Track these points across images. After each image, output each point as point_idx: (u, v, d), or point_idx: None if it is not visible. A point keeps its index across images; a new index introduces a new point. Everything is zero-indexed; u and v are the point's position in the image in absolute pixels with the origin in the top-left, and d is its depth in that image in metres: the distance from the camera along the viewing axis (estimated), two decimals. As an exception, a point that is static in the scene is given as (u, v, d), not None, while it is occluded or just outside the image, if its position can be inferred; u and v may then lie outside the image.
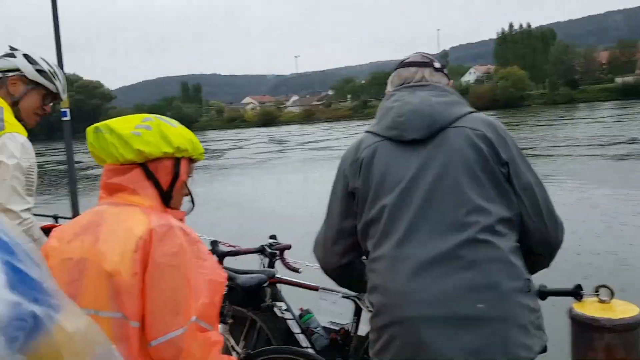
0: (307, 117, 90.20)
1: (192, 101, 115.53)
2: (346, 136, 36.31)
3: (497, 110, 63.25)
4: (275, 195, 14.69)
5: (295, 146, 33.75)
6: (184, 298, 1.27)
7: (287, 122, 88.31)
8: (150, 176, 1.39)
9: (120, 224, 1.32)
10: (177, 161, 1.43)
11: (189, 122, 69.37)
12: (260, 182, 17.63)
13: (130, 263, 1.25)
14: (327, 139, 37.14)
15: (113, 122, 1.40)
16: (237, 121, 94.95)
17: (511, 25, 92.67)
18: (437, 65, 1.73)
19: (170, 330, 1.25)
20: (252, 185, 17.06)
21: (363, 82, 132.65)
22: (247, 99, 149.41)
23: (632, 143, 19.36)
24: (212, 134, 66.26)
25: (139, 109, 76.63)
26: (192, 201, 1.56)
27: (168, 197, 1.43)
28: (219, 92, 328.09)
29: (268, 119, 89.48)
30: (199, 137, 1.59)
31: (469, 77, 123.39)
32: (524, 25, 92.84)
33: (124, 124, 1.39)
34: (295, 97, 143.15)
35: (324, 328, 2.71)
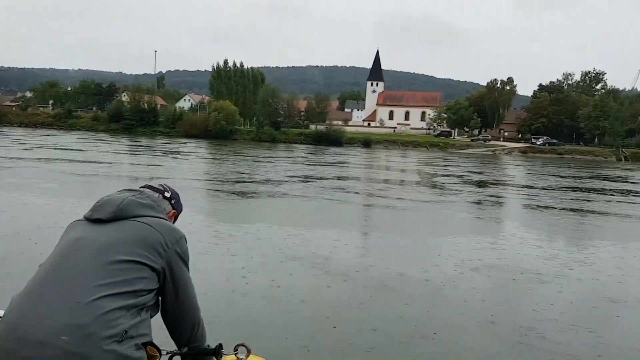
0: (-5, 119, 77.42)
1: None
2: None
3: (209, 139, 65.68)
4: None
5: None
6: None
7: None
8: None
9: None
10: None
11: None
12: None
13: None
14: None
15: None
16: None
17: (226, 62, 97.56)
18: (167, 194, 2.12)
19: None
20: None
21: (70, 88, 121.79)
22: None
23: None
24: None
25: None
26: None
27: None
28: None
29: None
30: None
31: (184, 104, 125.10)
32: (238, 64, 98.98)
33: None
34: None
35: None
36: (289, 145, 66.59)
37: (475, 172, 34.45)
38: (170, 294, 1.86)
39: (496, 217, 15.68)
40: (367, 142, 75.02)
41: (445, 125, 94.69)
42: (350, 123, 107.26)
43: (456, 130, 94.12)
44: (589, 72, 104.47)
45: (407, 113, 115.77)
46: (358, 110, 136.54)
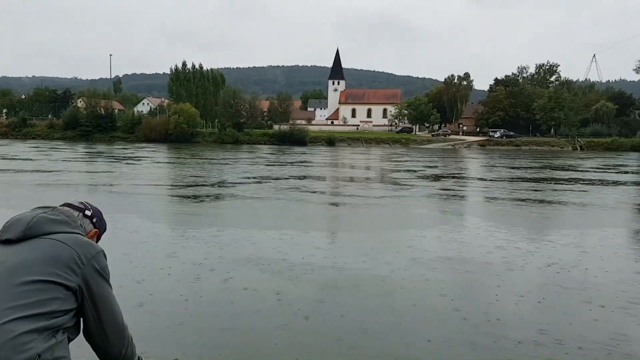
0: (-57, 129, 74.43)
1: None
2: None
3: (170, 143, 64.71)
4: None
5: None
6: None
7: None
8: None
9: None
10: None
11: None
12: None
13: None
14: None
15: None
16: None
17: (184, 64, 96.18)
18: (87, 212, 2.04)
19: None
20: None
21: (24, 96, 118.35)
22: None
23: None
24: None
25: None
26: None
27: None
28: None
29: None
30: None
31: (143, 108, 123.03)
32: (197, 66, 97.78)
33: None
34: None
35: None
36: (253, 146, 66.25)
37: (434, 167, 35.04)
38: (91, 313, 1.78)
39: (450, 210, 15.97)
40: (331, 141, 75.30)
41: (406, 121, 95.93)
42: (313, 122, 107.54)
43: (417, 126, 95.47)
44: (543, 64, 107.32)
45: (369, 110, 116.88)
46: (321, 109, 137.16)
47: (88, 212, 2.02)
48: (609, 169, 35.45)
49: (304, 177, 25.30)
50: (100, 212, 2.09)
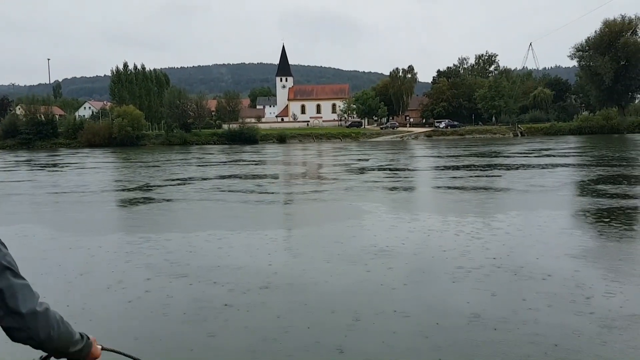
0: None
1: None
2: None
3: (114, 147, 63.08)
4: None
5: None
6: None
7: None
8: None
9: None
10: None
11: None
12: None
13: None
14: None
15: None
16: None
17: (126, 65, 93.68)
18: None
19: None
20: None
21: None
22: None
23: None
24: None
25: None
26: None
27: None
28: None
29: None
30: None
31: (85, 112, 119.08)
32: (139, 67, 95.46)
33: None
34: None
35: None
36: (202, 147, 65.43)
37: (374, 158, 35.81)
38: None
39: (401, 201, 16.49)
40: (282, 138, 75.38)
41: (355, 115, 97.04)
42: (263, 120, 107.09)
43: (366, 120, 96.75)
44: (482, 55, 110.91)
45: (318, 106, 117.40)
46: (270, 106, 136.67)
47: None
48: (545, 151, 37.19)
49: (233, 176, 25.39)
50: None
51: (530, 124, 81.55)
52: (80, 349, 1.80)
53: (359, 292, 7.00)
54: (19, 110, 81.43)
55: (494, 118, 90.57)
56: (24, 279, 1.67)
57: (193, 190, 19.48)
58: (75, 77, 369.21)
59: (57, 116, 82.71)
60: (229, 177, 24.63)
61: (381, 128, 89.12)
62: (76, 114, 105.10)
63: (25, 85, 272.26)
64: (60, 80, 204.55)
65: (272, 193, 18.27)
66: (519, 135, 76.46)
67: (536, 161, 29.58)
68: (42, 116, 75.66)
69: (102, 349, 1.90)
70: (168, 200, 16.78)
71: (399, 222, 11.96)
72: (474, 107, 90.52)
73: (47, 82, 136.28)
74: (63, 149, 64.14)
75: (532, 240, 9.84)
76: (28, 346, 1.66)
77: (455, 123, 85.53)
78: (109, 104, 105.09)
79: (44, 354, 1.79)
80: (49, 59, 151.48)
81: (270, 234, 11.12)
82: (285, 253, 9.44)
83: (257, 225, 11.98)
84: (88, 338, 1.84)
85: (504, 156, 34.63)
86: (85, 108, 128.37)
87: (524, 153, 37.19)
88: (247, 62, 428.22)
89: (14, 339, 1.64)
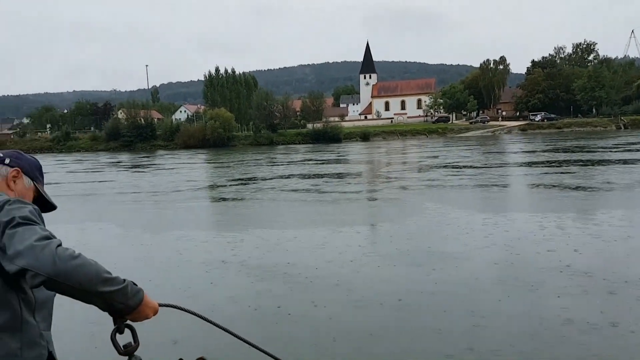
0: (-6, 149, 77.79)
1: None
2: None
3: (207, 149, 65.78)
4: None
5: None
6: None
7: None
8: None
9: None
10: None
11: None
12: None
13: None
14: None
15: None
16: None
17: (217, 69, 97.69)
18: (6, 160, 1.86)
19: None
20: None
21: (66, 111, 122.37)
22: None
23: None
24: None
25: None
26: None
27: None
28: None
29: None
30: None
31: (180, 115, 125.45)
32: (229, 71, 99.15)
33: None
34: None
35: None
36: (288, 146, 66.65)
37: (481, 154, 34.44)
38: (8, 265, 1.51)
39: (500, 199, 15.70)
40: (365, 136, 75.10)
41: (442, 110, 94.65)
42: (346, 118, 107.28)
43: (454, 115, 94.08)
44: (580, 43, 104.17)
45: (402, 102, 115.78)
46: (353, 104, 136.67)
47: (2, 159, 1.86)
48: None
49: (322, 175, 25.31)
50: (17, 152, 1.94)
51: (634, 115, 75.49)
52: (123, 292, 1.55)
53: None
54: (120, 115, 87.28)
55: (594, 110, 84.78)
56: (35, 224, 1.56)
57: (253, 188, 19.78)
58: (171, 82, 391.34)
59: (155, 119, 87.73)
60: (313, 176, 24.81)
61: (471, 123, 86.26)
62: (172, 117, 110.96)
63: (125, 91, 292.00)
64: (157, 85, 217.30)
65: (356, 192, 18.12)
66: (622, 127, 71.00)
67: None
68: (142, 120, 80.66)
69: (161, 305, 1.71)
70: (224, 200, 17.12)
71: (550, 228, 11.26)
72: (572, 99, 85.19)
73: (146, 88, 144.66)
74: (161, 151, 67.85)
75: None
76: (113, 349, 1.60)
77: (552, 115, 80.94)
78: (202, 107, 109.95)
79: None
80: (147, 66, 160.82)
81: (354, 230, 10.88)
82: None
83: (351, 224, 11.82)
84: (134, 284, 1.61)
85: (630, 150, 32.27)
86: (180, 111, 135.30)
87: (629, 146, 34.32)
88: (330, 61, 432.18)
89: (30, 285, 1.53)
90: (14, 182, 1.83)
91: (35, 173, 1.92)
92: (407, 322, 6.00)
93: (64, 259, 1.47)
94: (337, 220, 12.61)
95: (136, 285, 1.62)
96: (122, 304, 1.57)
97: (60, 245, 1.51)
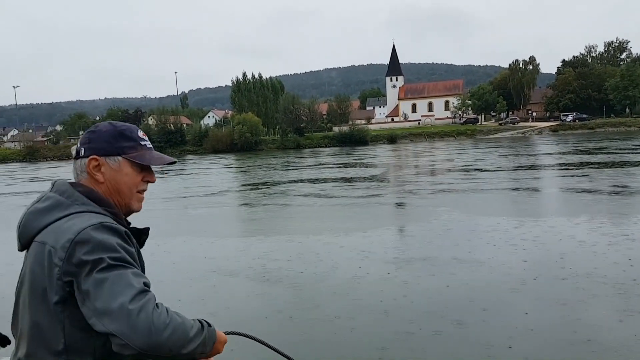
0: (30, 155, 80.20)
1: None
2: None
3: (235, 153, 66.46)
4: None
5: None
6: None
7: (3, 160, 77.46)
8: None
9: None
10: None
11: None
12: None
13: None
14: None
15: None
16: None
17: (244, 75, 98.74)
18: (80, 151, 1.54)
19: None
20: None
21: (98, 118, 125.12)
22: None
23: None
24: None
25: None
26: None
27: None
28: None
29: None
30: None
31: (209, 121, 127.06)
32: (256, 76, 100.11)
33: None
34: (14, 132, 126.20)
35: None
36: (314, 149, 66.83)
37: (514, 155, 33.94)
38: (92, 317, 1.28)
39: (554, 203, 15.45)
40: (392, 138, 74.82)
41: (470, 112, 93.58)
42: (373, 121, 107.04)
43: (482, 116, 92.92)
44: (612, 42, 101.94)
45: (430, 104, 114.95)
46: (380, 107, 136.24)
47: (80, 151, 1.53)
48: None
49: (323, 180, 25.26)
50: (91, 131, 1.59)
51: (670, 114, 73.40)
52: (203, 343, 1.36)
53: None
54: (151, 121, 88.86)
55: (627, 109, 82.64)
56: (127, 266, 1.31)
57: (260, 193, 19.85)
58: (199, 88, 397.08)
59: (184, 125, 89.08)
60: (344, 179, 24.83)
61: (500, 124, 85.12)
62: (201, 122, 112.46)
63: (155, 97, 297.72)
64: (186, 91, 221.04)
65: (382, 195, 18.06)
66: (659, 127, 69.00)
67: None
68: (172, 125, 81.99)
69: (226, 333, 1.53)
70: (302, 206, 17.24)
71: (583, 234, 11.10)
72: (605, 98, 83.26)
73: (175, 94, 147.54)
74: (191, 156, 68.78)
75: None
76: None
77: (584, 116, 79.25)
78: (230, 112, 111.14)
79: None
80: (176, 72, 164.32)
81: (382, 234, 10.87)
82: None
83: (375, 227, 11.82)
84: (209, 324, 1.41)
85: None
86: (209, 117, 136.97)
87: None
88: (356, 64, 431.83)
89: (115, 350, 1.27)
90: (100, 171, 1.50)
91: (120, 143, 1.53)
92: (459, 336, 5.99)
93: (159, 328, 1.25)
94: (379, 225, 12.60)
95: (210, 325, 1.42)
96: (202, 353, 1.38)
97: (155, 304, 1.28)
